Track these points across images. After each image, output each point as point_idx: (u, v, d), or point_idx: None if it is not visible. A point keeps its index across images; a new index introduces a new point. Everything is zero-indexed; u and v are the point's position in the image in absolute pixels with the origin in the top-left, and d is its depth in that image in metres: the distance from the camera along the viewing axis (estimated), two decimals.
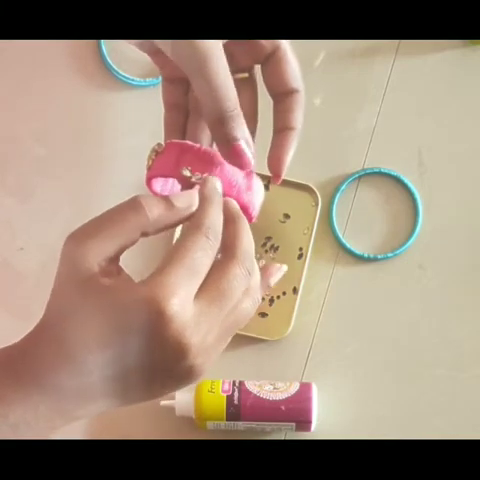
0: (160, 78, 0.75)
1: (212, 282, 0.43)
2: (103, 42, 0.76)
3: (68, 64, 0.77)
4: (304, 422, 0.72)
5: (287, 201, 0.75)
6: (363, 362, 0.75)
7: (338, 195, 0.75)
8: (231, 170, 0.48)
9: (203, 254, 0.43)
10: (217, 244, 0.44)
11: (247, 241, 0.46)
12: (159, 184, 0.52)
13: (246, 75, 0.51)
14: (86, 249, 0.44)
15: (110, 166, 0.77)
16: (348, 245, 0.75)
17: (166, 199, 0.45)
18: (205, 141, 0.52)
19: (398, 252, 0.75)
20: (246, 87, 0.51)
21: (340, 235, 0.75)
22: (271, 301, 0.75)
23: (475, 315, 0.75)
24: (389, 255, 0.75)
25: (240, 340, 0.75)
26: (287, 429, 0.73)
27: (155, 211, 0.44)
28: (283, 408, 0.71)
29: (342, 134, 0.76)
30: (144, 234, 0.44)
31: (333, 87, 0.76)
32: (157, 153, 0.50)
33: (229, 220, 0.46)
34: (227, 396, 0.72)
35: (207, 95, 0.46)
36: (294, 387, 0.72)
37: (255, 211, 0.50)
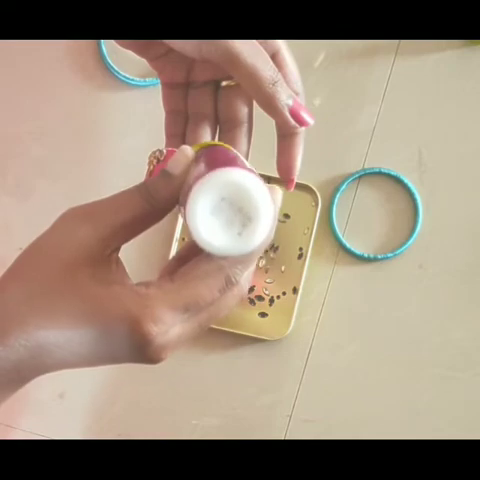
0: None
1: (188, 288, 0.42)
2: (103, 42, 0.76)
3: (68, 64, 0.77)
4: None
5: (287, 201, 0.74)
6: (363, 362, 0.75)
7: (338, 195, 0.75)
8: None
9: (210, 301, 0.43)
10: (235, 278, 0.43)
11: None
12: None
13: (232, 83, 0.51)
14: (89, 222, 0.44)
15: (110, 166, 0.77)
16: (348, 245, 0.75)
17: (163, 171, 0.45)
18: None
19: (398, 252, 0.75)
20: (239, 93, 0.51)
21: (340, 235, 0.75)
22: (271, 301, 0.75)
23: (475, 315, 0.75)
24: (389, 255, 0.75)
25: (240, 340, 0.75)
26: None
27: (157, 184, 0.45)
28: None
29: (342, 134, 0.76)
30: (150, 209, 0.44)
31: (333, 87, 0.76)
32: (158, 160, 0.50)
33: None
34: None
35: (247, 76, 0.46)
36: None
37: None
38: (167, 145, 0.53)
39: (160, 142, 0.76)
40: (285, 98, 0.48)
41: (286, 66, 0.49)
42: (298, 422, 0.75)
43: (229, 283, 0.43)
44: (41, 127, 0.77)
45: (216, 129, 0.53)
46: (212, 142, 0.50)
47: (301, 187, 0.75)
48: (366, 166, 0.76)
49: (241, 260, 0.43)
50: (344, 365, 0.75)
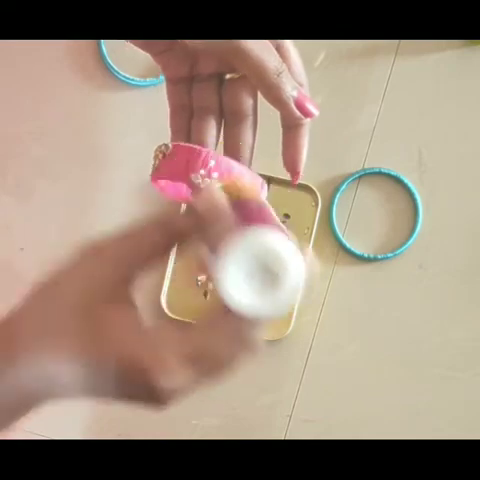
0: (160, 78, 0.76)
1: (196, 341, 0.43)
2: (103, 42, 0.76)
3: (68, 64, 0.77)
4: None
5: (287, 201, 0.75)
6: (363, 362, 0.75)
7: (338, 195, 0.75)
8: (239, 173, 0.48)
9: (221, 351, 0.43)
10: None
11: None
12: (164, 181, 0.52)
13: (236, 75, 0.51)
14: (113, 265, 0.42)
15: (110, 166, 0.77)
16: (348, 245, 0.75)
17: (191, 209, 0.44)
18: (210, 141, 0.52)
19: (398, 252, 0.75)
20: (243, 85, 0.51)
21: (340, 235, 0.75)
22: None
23: (475, 315, 0.75)
24: (389, 255, 0.75)
25: None
26: None
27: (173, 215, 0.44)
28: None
29: (342, 134, 0.76)
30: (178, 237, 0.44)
31: (333, 87, 0.76)
32: (165, 155, 0.50)
33: None
34: None
35: (252, 67, 0.46)
36: None
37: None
38: (173, 140, 0.53)
39: (160, 142, 0.76)
40: (290, 89, 0.47)
41: (290, 57, 0.49)
42: (298, 422, 0.75)
43: (244, 345, 0.43)
44: (41, 127, 0.77)
45: (221, 123, 0.52)
46: (244, 190, 0.50)
47: (301, 187, 0.75)
48: (366, 166, 0.76)
49: (261, 322, 0.43)
50: (344, 365, 0.75)
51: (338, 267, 0.76)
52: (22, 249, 0.77)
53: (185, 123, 0.53)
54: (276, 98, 0.47)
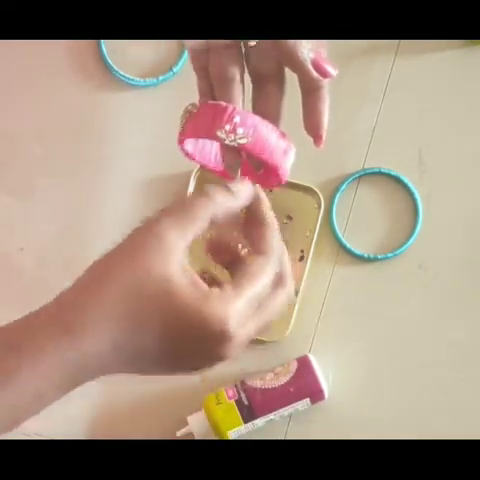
0: (160, 78, 0.76)
1: (262, 309, 0.45)
2: (103, 42, 0.76)
3: (68, 64, 0.77)
4: (316, 393, 0.72)
5: (290, 203, 0.75)
6: (363, 362, 0.75)
7: (338, 195, 0.75)
8: (265, 130, 0.48)
9: (269, 281, 0.45)
10: (284, 277, 0.47)
11: (278, 245, 0.47)
12: (191, 144, 0.52)
13: (254, 43, 0.51)
14: (174, 238, 0.44)
15: (110, 166, 0.77)
16: (348, 245, 0.75)
17: (224, 186, 0.46)
18: (236, 102, 0.51)
19: (398, 252, 0.75)
20: (266, 49, 0.51)
21: (340, 235, 0.75)
22: None
23: (475, 315, 0.75)
24: (389, 255, 0.75)
25: None
26: (304, 407, 0.72)
27: (220, 197, 0.45)
28: (292, 389, 0.72)
29: (342, 134, 0.76)
30: (213, 222, 0.45)
31: (333, 87, 0.76)
32: (190, 114, 0.49)
33: (263, 223, 0.48)
34: (235, 401, 0.72)
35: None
36: (293, 365, 0.73)
37: (284, 174, 0.50)
38: (200, 102, 0.53)
39: (160, 142, 0.76)
40: (306, 51, 0.47)
41: None
42: (298, 422, 0.75)
43: (280, 281, 0.46)
44: (41, 127, 0.77)
45: (243, 91, 0.52)
46: None
47: (304, 189, 0.74)
48: (366, 166, 0.76)
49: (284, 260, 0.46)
50: (344, 365, 0.75)
51: (338, 267, 0.76)
52: (22, 249, 0.77)
53: (211, 87, 0.52)
54: (293, 59, 0.47)
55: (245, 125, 0.47)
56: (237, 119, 0.47)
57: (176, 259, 0.43)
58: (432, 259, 0.75)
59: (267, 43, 0.49)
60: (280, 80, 0.51)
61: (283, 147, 0.49)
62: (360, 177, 0.76)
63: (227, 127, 0.47)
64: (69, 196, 0.77)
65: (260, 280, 0.45)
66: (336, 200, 0.75)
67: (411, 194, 0.75)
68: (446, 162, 0.76)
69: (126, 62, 0.76)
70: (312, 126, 0.50)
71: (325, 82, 0.49)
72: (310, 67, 0.48)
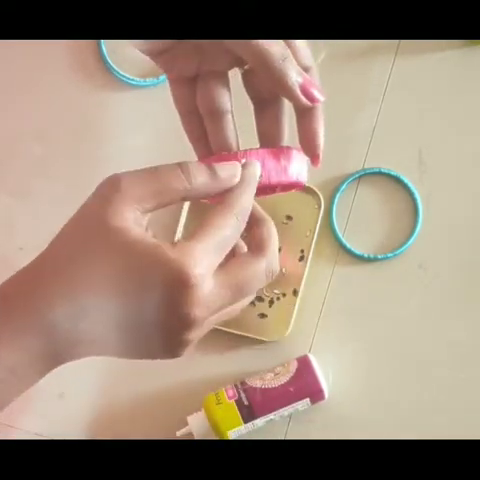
0: (160, 78, 0.76)
1: (235, 270, 0.45)
2: (103, 42, 0.76)
3: (68, 64, 0.77)
4: (316, 392, 0.72)
5: (290, 203, 0.75)
6: (363, 362, 0.75)
7: (338, 195, 0.75)
8: (272, 161, 0.49)
9: (231, 233, 0.44)
10: (243, 226, 0.45)
11: (276, 244, 0.47)
12: None
13: (242, 69, 0.51)
14: (127, 195, 0.44)
15: (110, 166, 0.76)
16: (348, 245, 0.75)
17: (211, 168, 0.46)
18: (232, 139, 0.52)
19: (398, 252, 0.75)
20: (252, 78, 0.51)
21: (340, 235, 0.75)
22: (271, 302, 0.75)
23: (475, 315, 0.75)
24: (389, 255, 0.75)
25: (239, 341, 0.75)
26: (304, 407, 0.72)
27: (199, 178, 0.45)
28: (292, 389, 0.72)
29: (342, 134, 0.76)
30: (184, 198, 0.45)
31: (333, 87, 0.76)
32: None
33: (263, 220, 0.48)
34: (235, 401, 0.72)
35: (256, 54, 0.46)
36: (293, 365, 0.73)
37: (303, 182, 0.50)
38: (196, 149, 0.53)
39: (160, 141, 0.76)
40: (295, 75, 0.47)
41: (295, 42, 0.48)
42: (298, 422, 0.75)
43: (258, 248, 0.46)
44: (41, 127, 0.77)
45: (233, 119, 0.52)
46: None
47: (304, 189, 0.74)
48: (366, 166, 0.76)
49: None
50: (344, 365, 0.75)
51: (338, 267, 0.76)
52: (22, 249, 0.77)
53: (200, 128, 0.52)
54: (281, 85, 0.47)
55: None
56: (243, 162, 0.48)
57: (129, 209, 0.43)
58: (432, 259, 0.75)
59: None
60: (281, 100, 0.51)
61: (294, 163, 0.50)
62: (360, 177, 0.76)
63: None
64: (69, 196, 0.76)
65: (215, 225, 0.44)
66: (336, 200, 0.75)
67: (411, 194, 0.75)
68: (446, 162, 0.76)
69: (126, 62, 0.76)
70: (308, 146, 0.50)
71: (315, 104, 0.50)
72: (299, 92, 0.47)
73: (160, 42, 0.49)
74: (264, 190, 0.50)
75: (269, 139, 0.51)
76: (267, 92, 0.50)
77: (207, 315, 0.43)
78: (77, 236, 0.44)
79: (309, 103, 0.48)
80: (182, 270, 0.41)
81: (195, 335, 0.44)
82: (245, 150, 0.49)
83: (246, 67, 0.51)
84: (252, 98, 0.51)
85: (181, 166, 0.45)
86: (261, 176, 0.48)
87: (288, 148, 0.50)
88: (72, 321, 0.41)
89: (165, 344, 0.44)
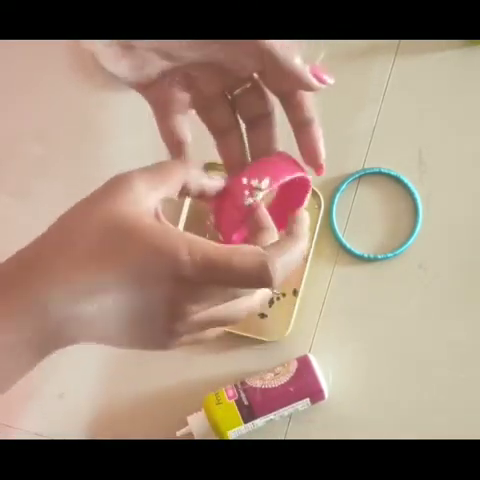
0: None
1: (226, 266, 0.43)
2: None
3: (68, 64, 0.77)
4: (316, 392, 0.72)
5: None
6: (363, 362, 0.75)
7: (338, 195, 0.75)
8: (281, 168, 0.50)
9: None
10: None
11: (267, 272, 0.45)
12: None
13: (247, 85, 0.51)
14: (137, 184, 0.45)
15: (110, 166, 0.77)
16: (348, 245, 0.75)
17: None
18: (242, 154, 0.53)
19: (398, 252, 0.75)
20: (256, 91, 0.52)
21: (340, 235, 0.75)
22: (271, 302, 0.75)
23: (475, 315, 0.75)
24: (389, 255, 0.75)
25: (239, 341, 0.75)
26: (304, 407, 0.72)
27: (197, 170, 0.47)
28: (292, 389, 0.72)
29: (342, 134, 0.76)
30: (185, 189, 0.46)
31: (333, 87, 0.76)
32: (213, 223, 0.52)
33: (268, 230, 0.49)
34: (235, 401, 0.72)
35: (279, 55, 0.48)
36: (293, 365, 0.73)
37: (302, 171, 0.51)
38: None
39: (160, 141, 0.76)
40: (302, 64, 0.48)
41: (301, 93, 0.51)
42: (298, 422, 0.75)
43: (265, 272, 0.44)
44: (41, 127, 0.77)
45: (241, 134, 0.53)
46: None
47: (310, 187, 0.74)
48: (366, 166, 0.76)
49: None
50: (344, 365, 0.75)
51: (338, 267, 0.76)
52: None
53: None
54: (292, 72, 0.48)
55: (258, 176, 0.49)
56: (244, 181, 0.49)
57: (146, 205, 0.43)
58: (432, 259, 0.75)
59: (256, 85, 0.50)
60: (272, 117, 0.52)
61: (290, 160, 0.51)
62: (360, 177, 0.76)
63: (250, 199, 0.49)
64: (69, 196, 0.76)
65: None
66: (336, 200, 0.75)
67: (411, 194, 0.75)
68: (446, 162, 0.76)
69: None
70: (311, 159, 0.51)
71: (314, 114, 0.51)
72: (310, 76, 0.49)
73: (146, 75, 0.50)
74: (281, 207, 0.51)
75: (263, 154, 0.52)
76: (259, 110, 0.51)
77: (196, 309, 0.43)
78: (82, 221, 0.45)
79: (320, 85, 0.50)
80: (177, 252, 0.41)
81: (183, 328, 0.44)
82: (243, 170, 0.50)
83: (237, 92, 0.51)
84: (244, 118, 0.52)
85: (179, 159, 0.49)
86: (268, 184, 0.49)
87: (278, 153, 0.51)
88: (70, 301, 0.41)
89: (155, 335, 0.44)
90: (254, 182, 0.49)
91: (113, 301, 0.42)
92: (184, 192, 0.47)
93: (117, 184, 0.46)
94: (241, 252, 0.42)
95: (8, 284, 0.42)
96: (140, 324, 0.43)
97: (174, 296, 0.42)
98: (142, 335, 0.44)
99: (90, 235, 0.43)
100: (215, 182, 0.48)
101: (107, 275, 0.42)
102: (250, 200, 0.48)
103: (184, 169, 0.47)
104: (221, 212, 0.50)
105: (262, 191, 0.49)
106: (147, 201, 0.44)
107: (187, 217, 0.75)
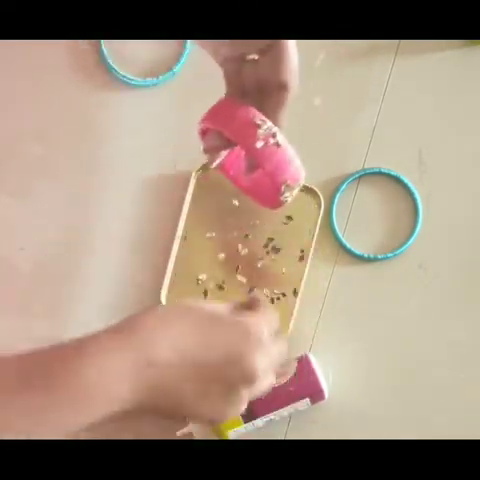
0: (160, 78, 0.76)
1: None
2: (103, 42, 0.76)
3: (68, 64, 0.77)
4: (316, 392, 0.72)
5: (290, 203, 0.75)
6: (363, 362, 0.75)
7: (338, 195, 0.75)
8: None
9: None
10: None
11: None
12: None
13: (256, 57, 0.52)
14: None
15: (109, 166, 0.77)
16: (348, 245, 0.75)
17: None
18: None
19: (398, 252, 0.75)
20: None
21: (340, 235, 0.75)
22: (271, 302, 0.75)
23: (475, 315, 0.75)
24: (389, 255, 0.75)
25: None
26: (304, 407, 0.72)
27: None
28: (292, 389, 0.72)
29: (342, 134, 0.76)
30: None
31: (333, 87, 0.76)
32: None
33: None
34: None
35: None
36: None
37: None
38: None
39: (160, 142, 0.76)
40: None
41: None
42: (298, 422, 0.75)
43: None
44: (41, 127, 0.77)
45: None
46: None
47: (304, 189, 0.74)
48: (366, 166, 0.76)
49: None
50: (344, 365, 0.75)
51: (338, 267, 0.76)
52: (22, 249, 0.77)
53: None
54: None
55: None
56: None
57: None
58: (432, 259, 0.75)
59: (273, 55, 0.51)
60: (286, 90, 0.52)
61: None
62: (360, 177, 0.76)
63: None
64: (69, 196, 0.77)
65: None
66: (336, 200, 0.75)
67: (411, 194, 0.75)
68: (446, 162, 0.76)
69: (126, 62, 0.76)
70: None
71: (284, 123, 0.55)
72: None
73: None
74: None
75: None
76: (272, 79, 0.54)
77: (265, 367, 0.52)
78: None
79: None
80: (257, 329, 0.52)
81: (249, 392, 0.52)
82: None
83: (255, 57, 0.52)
84: (259, 85, 0.53)
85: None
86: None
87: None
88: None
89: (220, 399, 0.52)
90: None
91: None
92: None
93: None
94: None
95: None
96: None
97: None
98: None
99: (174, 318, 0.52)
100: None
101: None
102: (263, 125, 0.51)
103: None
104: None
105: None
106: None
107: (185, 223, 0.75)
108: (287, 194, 0.51)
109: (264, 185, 0.55)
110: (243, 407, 0.52)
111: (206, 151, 0.55)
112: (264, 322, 0.53)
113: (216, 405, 0.51)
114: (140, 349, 0.48)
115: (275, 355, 0.54)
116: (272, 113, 0.53)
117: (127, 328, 0.49)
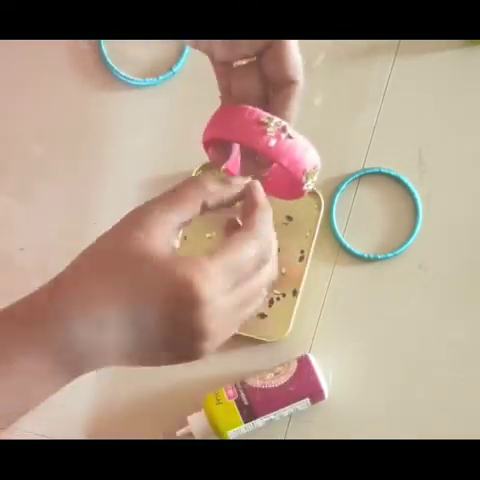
0: (160, 78, 0.76)
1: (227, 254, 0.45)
2: (103, 42, 0.76)
3: (68, 64, 0.77)
4: (316, 393, 0.72)
5: (290, 203, 0.74)
6: (363, 362, 0.75)
7: (338, 195, 0.75)
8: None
9: (247, 257, 0.45)
10: (266, 254, 0.46)
11: (266, 227, 0.47)
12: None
13: (253, 59, 0.52)
14: (154, 214, 0.45)
15: (110, 166, 0.77)
16: (348, 245, 0.75)
17: (222, 177, 0.48)
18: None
19: (398, 252, 0.75)
20: (255, 71, 0.52)
21: (340, 235, 0.75)
22: (271, 302, 0.75)
23: (475, 315, 0.75)
24: (389, 255, 0.75)
25: (239, 341, 0.75)
26: (304, 407, 0.72)
27: (213, 184, 0.47)
28: (292, 389, 0.72)
29: (342, 134, 0.76)
30: (204, 207, 0.46)
31: (333, 87, 0.76)
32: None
33: (254, 205, 0.48)
34: (235, 401, 0.72)
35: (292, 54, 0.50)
36: (293, 365, 0.73)
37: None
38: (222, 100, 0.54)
39: (160, 142, 0.76)
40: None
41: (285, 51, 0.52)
42: (298, 422, 0.75)
43: (262, 259, 0.45)
44: (41, 127, 0.77)
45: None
46: None
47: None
48: (366, 166, 0.76)
49: (270, 240, 0.46)
50: (344, 365, 0.75)
51: (338, 267, 0.76)
52: (22, 249, 0.77)
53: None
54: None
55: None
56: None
57: (161, 232, 0.44)
58: (432, 259, 0.75)
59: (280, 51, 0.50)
60: (293, 83, 0.52)
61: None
62: (360, 177, 0.76)
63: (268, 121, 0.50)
64: (69, 196, 0.77)
65: (236, 250, 0.44)
66: (336, 200, 0.75)
67: (411, 194, 0.75)
68: (446, 162, 0.76)
69: (126, 62, 0.76)
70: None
71: (294, 116, 0.52)
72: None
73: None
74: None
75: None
76: (279, 75, 0.52)
77: (219, 322, 0.44)
78: (99, 252, 0.47)
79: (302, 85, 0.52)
80: (192, 289, 0.42)
81: (210, 344, 0.45)
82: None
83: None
84: (270, 81, 0.53)
85: (194, 178, 0.47)
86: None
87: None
88: (88, 332, 0.42)
89: (181, 356, 0.45)
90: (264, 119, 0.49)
91: (128, 331, 0.43)
92: (204, 210, 0.47)
93: (135, 215, 0.47)
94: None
95: (32, 316, 0.43)
96: (162, 350, 0.44)
97: (192, 323, 0.43)
98: (166, 358, 0.45)
99: (103, 266, 0.45)
100: (233, 189, 0.48)
101: (121, 306, 0.43)
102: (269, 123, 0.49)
103: (200, 189, 0.46)
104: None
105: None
106: (162, 229, 0.45)
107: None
108: (309, 182, 0.51)
109: (281, 180, 0.54)
110: (213, 349, 0.46)
111: (214, 164, 0.54)
112: (204, 268, 0.43)
113: (169, 362, 0.45)
114: (60, 342, 0.42)
115: (230, 308, 0.44)
116: (281, 109, 0.53)
117: (42, 309, 0.43)
